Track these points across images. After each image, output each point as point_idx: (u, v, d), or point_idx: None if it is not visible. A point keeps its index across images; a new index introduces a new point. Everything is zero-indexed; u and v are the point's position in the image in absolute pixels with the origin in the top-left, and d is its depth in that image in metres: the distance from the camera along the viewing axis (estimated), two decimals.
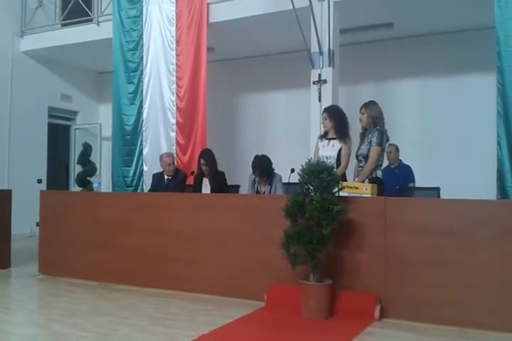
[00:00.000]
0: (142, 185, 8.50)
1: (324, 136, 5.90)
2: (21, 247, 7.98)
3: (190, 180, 7.13)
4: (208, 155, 6.83)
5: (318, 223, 4.36)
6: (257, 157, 6.25)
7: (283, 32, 8.11)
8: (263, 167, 6.13)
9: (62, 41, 9.88)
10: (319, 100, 7.32)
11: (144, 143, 8.56)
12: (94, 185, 7.36)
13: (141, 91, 8.64)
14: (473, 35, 8.16)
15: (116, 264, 6.02)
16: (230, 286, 5.29)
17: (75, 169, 9.76)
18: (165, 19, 8.45)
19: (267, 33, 8.58)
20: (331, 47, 7.30)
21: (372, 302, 4.51)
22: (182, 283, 5.55)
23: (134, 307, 4.96)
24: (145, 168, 8.51)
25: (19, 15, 10.48)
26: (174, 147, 8.28)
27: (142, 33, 8.66)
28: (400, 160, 7.40)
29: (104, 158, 10.88)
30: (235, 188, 7.13)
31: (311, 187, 4.53)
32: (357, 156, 5.62)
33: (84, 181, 7.51)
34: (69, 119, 11.91)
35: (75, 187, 8.76)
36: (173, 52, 8.38)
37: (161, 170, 7.46)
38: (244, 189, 6.73)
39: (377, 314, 4.46)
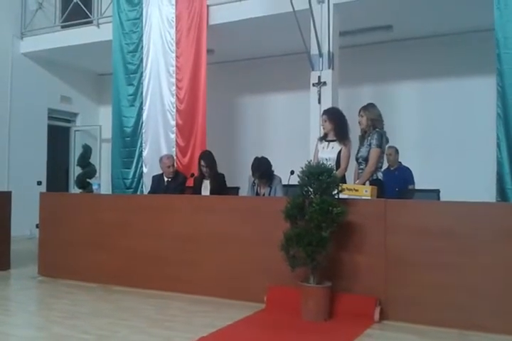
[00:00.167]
0: (142, 187, 8.49)
1: (324, 138, 5.90)
2: (21, 249, 7.97)
3: (190, 182, 7.13)
4: (208, 157, 6.83)
5: (317, 225, 4.35)
6: (256, 159, 6.24)
7: (283, 34, 8.12)
8: (263, 169, 6.13)
9: (62, 43, 9.88)
10: (319, 102, 7.33)
11: (143, 144, 8.56)
12: (94, 187, 7.36)
13: (141, 93, 8.64)
14: (473, 37, 8.17)
15: (116, 266, 6.02)
16: (229, 288, 5.28)
17: (75, 171, 9.76)
18: (165, 21, 8.46)
19: (267, 35, 8.59)
20: (331, 50, 7.30)
21: (372, 305, 4.50)
22: (181, 284, 5.55)
23: (134, 309, 4.96)
24: (145, 170, 8.51)
25: (19, 17, 10.49)
26: (174, 149, 8.28)
27: (142, 35, 8.66)
28: (400, 162, 7.40)
29: (103, 160, 10.88)
30: (235, 190, 7.12)
31: (311, 189, 4.53)
32: (357, 159, 5.62)
33: (83, 183, 7.51)
34: (69, 121, 11.91)
35: (74, 189, 8.76)
36: (173, 54, 8.38)
37: (160, 171, 7.46)
38: (244, 191, 6.72)
39: (377, 316, 4.45)
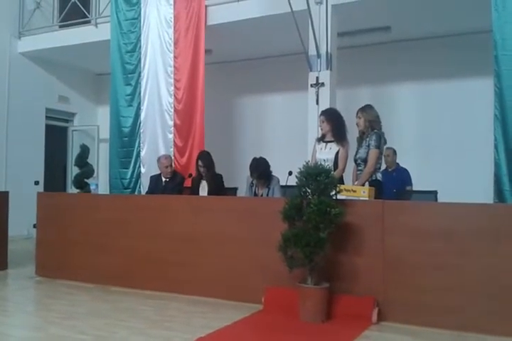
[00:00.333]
0: (140, 187, 8.49)
1: (322, 138, 5.90)
2: (18, 249, 7.96)
3: (188, 182, 7.12)
4: (205, 158, 6.82)
5: (315, 226, 4.36)
6: (254, 160, 6.24)
7: (281, 35, 8.13)
8: (261, 169, 6.13)
9: (60, 42, 9.88)
10: (317, 103, 7.34)
11: (141, 145, 8.56)
12: (92, 187, 7.35)
13: (139, 93, 8.64)
14: (471, 38, 8.19)
15: (114, 266, 6.02)
16: (227, 289, 5.29)
17: (73, 171, 9.75)
18: (163, 21, 8.45)
19: (265, 36, 8.60)
20: (329, 50, 7.31)
21: (370, 306, 4.51)
22: (179, 285, 5.55)
23: (132, 310, 4.96)
24: (142, 170, 8.51)
25: (17, 17, 10.48)
26: (172, 149, 8.28)
27: (140, 35, 8.67)
28: (398, 163, 7.40)
29: (101, 160, 10.87)
30: (233, 190, 7.12)
31: (309, 190, 4.54)
32: (355, 160, 5.63)
33: (81, 183, 7.51)
34: (66, 121, 11.91)
35: (72, 189, 8.77)
36: (171, 54, 8.38)
37: (158, 172, 7.44)
38: (242, 191, 6.72)
39: (374, 317, 4.45)
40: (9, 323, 4.60)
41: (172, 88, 8.36)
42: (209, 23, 8.20)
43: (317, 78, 7.37)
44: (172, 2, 8.38)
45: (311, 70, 7.45)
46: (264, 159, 6.25)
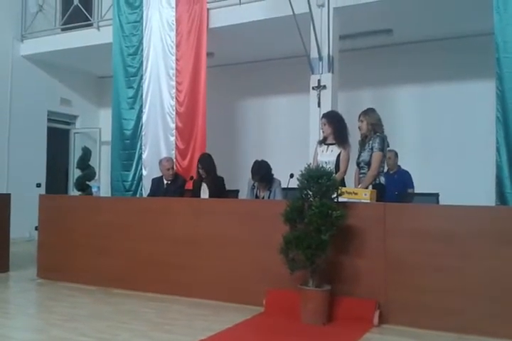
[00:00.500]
0: (141, 190, 8.49)
1: (323, 141, 5.91)
2: (20, 251, 7.97)
3: (190, 185, 7.13)
4: (205, 160, 6.82)
5: (317, 228, 4.36)
6: (256, 162, 6.24)
7: (283, 37, 8.14)
8: (262, 172, 6.13)
9: (62, 45, 9.90)
10: (318, 106, 7.33)
11: (143, 147, 8.56)
12: (94, 190, 7.36)
13: (141, 96, 8.64)
14: (473, 41, 8.18)
15: (116, 269, 6.02)
16: (228, 291, 5.29)
17: (74, 173, 9.77)
18: (165, 24, 8.46)
19: (267, 39, 8.61)
20: (331, 53, 7.31)
21: (372, 308, 4.50)
22: (181, 287, 5.55)
23: (133, 312, 4.96)
24: (144, 173, 8.51)
25: (19, 20, 10.50)
26: (174, 152, 8.28)
27: (142, 38, 8.67)
28: (399, 165, 7.40)
29: (103, 163, 10.89)
30: (235, 193, 7.12)
31: (310, 193, 4.54)
32: (358, 163, 5.63)
33: (83, 185, 7.52)
34: (68, 123, 11.92)
35: (74, 192, 8.76)
36: (173, 57, 8.39)
37: (160, 174, 7.45)
38: (244, 194, 6.72)
39: (376, 320, 4.45)
40: (11, 325, 4.60)
41: (174, 91, 8.36)
42: (211, 25, 8.21)
43: (319, 81, 7.37)
44: (174, 5, 8.38)
45: (312, 73, 7.46)
46: (266, 162, 6.25)
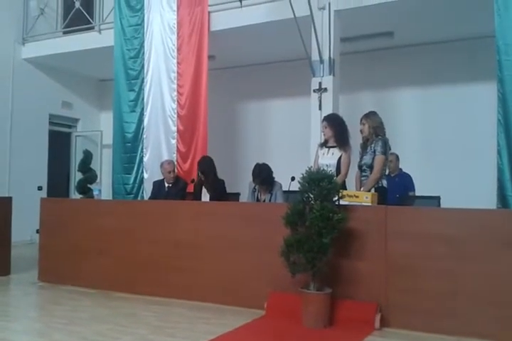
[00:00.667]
0: (142, 193, 8.49)
1: (324, 144, 5.92)
2: (21, 254, 7.96)
3: (191, 188, 7.13)
4: (204, 164, 6.81)
5: (318, 231, 4.35)
6: (257, 165, 6.24)
7: (284, 40, 8.14)
8: (263, 175, 6.13)
9: (63, 49, 9.90)
10: (320, 108, 7.33)
11: (144, 150, 8.57)
12: (95, 193, 7.38)
13: (142, 99, 8.65)
14: (474, 43, 8.19)
15: (117, 272, 6.02)
16: (230, 294, 5.28)
17: (76, 176, 9.77)
18: (166, 27, 8.48)
19: (268, 42, 8.61)
20: (332, 56, 7.32)
21: (373, 311, 4.50)
22: (182, 291, 5.55)
23: (134, 316, 4.96)
24: (145, 176, 8.51)
25: (21, 23, 10.50)
26: (175, 154, 8.28)
27: (143, 41, 8.69)
28: (400, 168, 7.39)
29: (104, 166, 10.88)
30: (236, 196, 7.12)
31: (312, 196, 4.53)
32: (360, 166, 5.63)
33: (84, 188, 7.54)
34: (70, 127, 11.92)
35: (75, 195, 8.77)
36: (174, 60, 8.40)
37: (161, 177, 7.46)
38: (245, 197, 6.72)
39: (377, 323, 4.44)
40: (12, 329, 4.59)
41: (175, 94, 8.37)
42: (212, 28, 8.22)
43: (320, 83, 7.37)
44: (175, 8, 8.40)
45: (314, 76, 7.46)
46: (267, 165, 6.25)
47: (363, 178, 5.62)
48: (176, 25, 8.41)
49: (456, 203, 4.74)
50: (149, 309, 5.22)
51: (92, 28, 9.93)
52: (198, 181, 6.90)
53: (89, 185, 7.58)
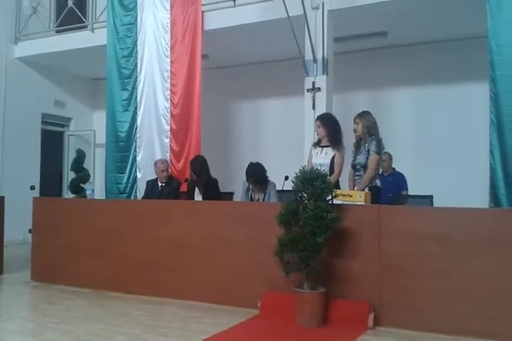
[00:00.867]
0: (136, 192, 8.47)
1: (318, 143, 5.93)
2: (14, 254, 7.93)
3: (184, 187, 7.12)
4: (196, 163, 6.81)
5: (312, 231, 4.36)
6: (251, 164, 6.24)
7: (277, 40, 8.14)
8: (257, 174, 6.13)
9: (56, 48, 9.86)
10: (313, 108, 7.33)
11: (137, 149, 8.55)
12: (88, 192, 7.35)
13: (135, 98, 8.63)
14: (467, 43, 8.21)
15: (110, 271, 6.01)
16: (223, 294, 5.28)
17: (69, 176, 9.72)
18: (159, 26, 8.46)
19: (262, 41, 8.61)
20: (325, 56, 7.32)
21: (366, 310, 4.51)
22: (175, 290, 5.55)
23: (127, 315, 4.95)
24: (138, 175, 8.49)
25: (13, 22, 10.46)
26: (168, 154, 8.27)
27: (136, 40, 8.66)
28: (393, 168, 7.41)
29: (97, 165, 10.87)
30: (229, 195, 7.12)
31: (305, 195, 4.54)
32: (354, 165, 5.64)
33: (77, 188, 7.51)
34: (62, 126, 11.88)
35: (68, 194, 8.74)
36: (168, 60, 8.38)
37: (154, 176, 7.45)
38: (239, 196, 6.72)
39: (370, 322, 4.45)
40: (5, 328, 4.57)
41: (168, 93, 8.36)
42: (205, 28, 8.21)
43: (313, 83, 7.37)
44: (168, 7, 8.39)
45: (307, 75, 7.46)
46: (261, 164, 6.25)
47: (356, 177, 5.63)
48: (169, 25, 8.39)
49: (449, 202, 4.75)
50: (142, 308, 5.22)
51: (85, 27, 9.91)
52: (191, 180, 6.89)
53: (82, 185, 7.55)
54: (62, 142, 11.77)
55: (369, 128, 5.55)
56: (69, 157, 11.00)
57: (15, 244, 9.11)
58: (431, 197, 6.13)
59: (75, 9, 9.96)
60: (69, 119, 11.91)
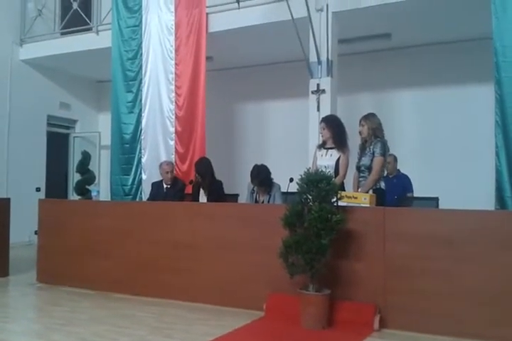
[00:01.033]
0: (141, 194, 8.49)
1: (322, 145, 5.92)
2: (19, 255, 7.94)
3: (189, 189, 7.13)
4: (201, 165, 6.82)
5: (316, 233, 4.36)
6: (255, 166, 6.25)
7: (282, 42, 8.15)
8: (262, 177, 6.13)
9: (61, 50, 9.91)
10: (318, 110, 7.34)
11: (142, 151, 8.56)
12: (93, 194, 7.36)
13: (140, 100, 8.64)
14: (472, 45, 8.21)
15: (115, 273, 6.02)
16: (228, 296, 5.28)
17: (74, 177, 9.77)
18: (164, 28, 8.48)
19: (266, 43, 8.62)
20: (330, 57, 7.33)
21: (372, 313, 4.50)
22: (180, 292, 5.55)
23: (133, 317, 4.96)
24: (144, 177, 8.50)
25: (18, 24, 10.51)
26: (173, 156, 8.27)
27: (141, 42, 8.68)
28: (398, 170, 7.41)
29: (102, 167, 10.90)
30: (234, 197, 7.12)
31: (310, 197, 4.54)
32: (359, 167, 5.63)
33: (82, 189, 7.53)
34: (68, 128, 11.91)
35: (73, 196, 8.77)
36: (172, 62, 8.40)
37: (159, 178, 7.46)
38: (243, 198, 6.72)
39: (376, 324, 4.45)
40: (11, 330, 4.59)
41: (173, 95, 8.37)
42: (210, 30, 8.22)
43: (318, 85, 7.37)
44: (173, 9, 8.40)
45: (311, 77, 7.46)
46: (265, 166, 6.26)
47: (360, 179, 5.62)
48: (173, 27, 8.40)
49: (455, 204, 4.75)
50: (147, 310, 5.22)
51: (89, 29, 9.92)
52: (195, 182, 6.90)
53: (87, 186, 7.56)
54: (68, 144, 11.80)
55: (374, 130, 5.54)
56: (74, 159, 11.03)
57: (21, 246, 9.14)
58: (436, 199, 6.12)
59: (80, 11, 9.99)
60: (74, 121, 11.95)
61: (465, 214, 4.47)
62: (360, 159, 5.64)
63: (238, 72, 10.19)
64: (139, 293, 5.80)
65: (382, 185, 5.51)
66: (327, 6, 7.32)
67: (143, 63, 8.67)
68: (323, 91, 7.35)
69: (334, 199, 4.61)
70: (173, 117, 8.33)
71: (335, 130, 5.78)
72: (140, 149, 8.57)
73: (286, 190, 5.95)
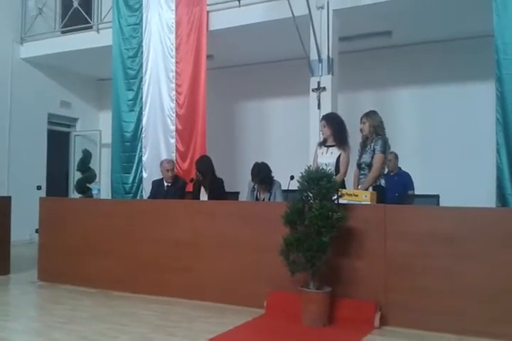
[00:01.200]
0: (141, 192, 8.49)
1: (323, 143, 5.92)
2: (20, 254, 7.96)
3: (190, 187, 7.13)
4: (202, 163, 6.81)
5: (317, 230, 4.36)
6: (256, 164, 6.25)
7: (282, 39, 8.15)
8: (262, 174, 6.13)
9: (62, 48, 9.90)
10: (318, 107, 7.33)
11: (143, 149, 8.57)
12: (94, 192, 7.38)
13: (141, 98, 8.65)
14: (473, 42, 8.20)
15: (116, 271, 6.02)
16: (229, 293, 5.28)
17: (75, 176, 9.77)
18: (164, 27, 8.48)
19: (267, 41, 8.62)
20: (330, 55, 7.32)
21: (372, 310, 4.50)
22: (181, 290, 5.55)
23: (134, 315, 4.96)
24: (144, 175, 8.51)
25: (19, 23, 10.51)
26: (174, 154, 8.28)
27: (142, 41, 8.68)
28: (399, 167, 7.41)
29: (103, 165, 10.90)
30: (235, 195, 7.13)
31: (311, 195, 4.53)
32: (359, 164, 5.63)
33: (83, 188, 7.54)
34: (69, 126, 11.92)
35: (74, 194, 8.78)
36: (173, 60, 8.40)
37: (160, 176, 7.46)
38: (244, 196, 6.72)
39: (377, 322, 4.44)
40: (12, 328, 4.59)
41: (174, 93, 8.37)
42: (211, 28, 8.22)
43: (319, 83, 7.37)
44: (174, 7, 8.40)
45: (312, 75, 7.46)
46: (266, 164, 6.26)
47: (361, 176, 5.62)
48: (174, 25, 8.40)
49: (455, 202, 4.74)
50: (149, 308, 5.22)
51: (90, 28, 9.93)
52: (196, 180, 6.90)
53: (88, 185, 7.59)
54: (69, 142, 11.82)
55: (376, 127, 5.54)
56: (75, 157, 11.03)
57: (21, 244, 9.15)
58: (437, 197, 6.11)
59: (81, 10, 9.99)
60: (75, 119, 11.95)
61: (466, 212, 4.47)
62: (360, 156, 5.65)
63: (239, 70, 10.19)
64: (140, 291, 5.80)
65: (383, 182, 5.51)
66: (328, 3, 7.32)
67: (143, 61, 8.67)
68: (324, 89, 7.34)
69: (335, 197, 4.60)
70: (174, 115, 8.33)
71: (335, 128, 5.78)
72: (141, 147, 8.58)
73: (286, 188, 5.96)
